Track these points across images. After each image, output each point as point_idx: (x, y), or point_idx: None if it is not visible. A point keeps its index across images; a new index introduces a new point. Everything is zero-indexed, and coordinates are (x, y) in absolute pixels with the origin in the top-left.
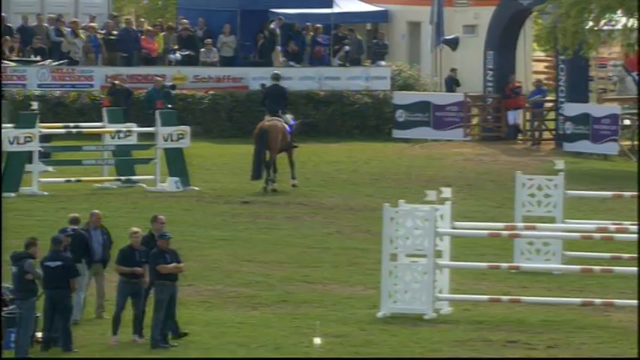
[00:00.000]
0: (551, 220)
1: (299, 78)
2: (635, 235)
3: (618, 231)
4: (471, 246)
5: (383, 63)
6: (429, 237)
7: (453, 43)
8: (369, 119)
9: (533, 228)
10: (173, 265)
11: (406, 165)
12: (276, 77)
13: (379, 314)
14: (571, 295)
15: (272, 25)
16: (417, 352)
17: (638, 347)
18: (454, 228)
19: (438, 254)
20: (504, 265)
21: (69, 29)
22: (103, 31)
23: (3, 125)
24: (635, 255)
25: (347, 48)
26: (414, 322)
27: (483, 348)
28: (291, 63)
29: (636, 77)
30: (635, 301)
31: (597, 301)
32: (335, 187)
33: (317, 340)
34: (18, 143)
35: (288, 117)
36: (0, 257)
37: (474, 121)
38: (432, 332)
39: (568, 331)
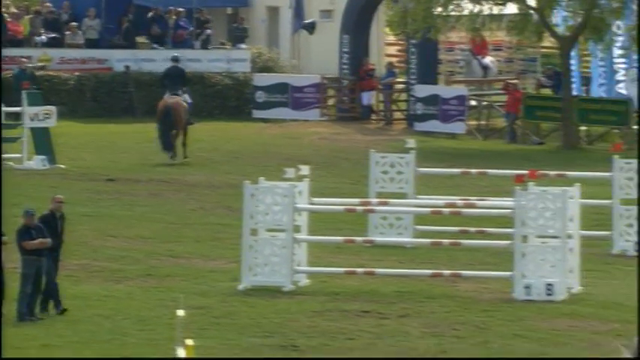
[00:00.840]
0: (403, 195)
1: (162, 60)
2: (481, 210)
3: (466, 206)
4: (327, 221)
5: (243, 46)
6: (287, 212)
7: (310, 28)
8: (229, 100)
9: (386, 203)
10: (38, 240)
11: (265, 144)
12: (176, 59)
13: (240, 287)
14: (422, 266)
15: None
16: (275, 322)
17: (638, 347)
18: (312, 204)
19: (297, 229)
20: (359, 239)
21: None
22: None
23: None
24: (483, 228)
25: (208, 31)
26: (273, 294)
27: (339, 318)
28: (155, 46)
29: (482, 60)
30: (481, 272)
31: (446, 272)
32: (197, 165)
33: (180, 312)
34: None
35: (186, 96)
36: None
37: (330, 101)
38: (290, 303)
39: (419, 300)
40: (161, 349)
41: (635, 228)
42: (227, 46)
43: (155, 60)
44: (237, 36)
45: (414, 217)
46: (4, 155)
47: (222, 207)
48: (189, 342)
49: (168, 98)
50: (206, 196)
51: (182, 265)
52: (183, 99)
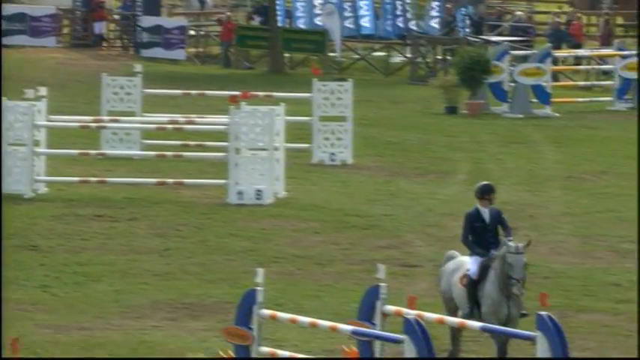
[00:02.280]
0: (132, 113)
1: None
2: (200, 126)
3: (187, 123)
4: (64, 136)
5: None
6: (27, 129)
7: None
8: None
9: (117, 120)
10: None
11: (7, 68)
12: None
13: None
14: (148, 176)
15: None
16: (18, 225)
17: (638, 347)
18: (50, 121)
19: (36, 143)
20: (93, 152)
21: None
22: None
23: None
24: (202, 142)
25: None
26: (15, 201)
27: (75, 221)
28: None
29: None
30: (200, 180)
31: (170, 180)
32: None
33: None
34: None
35: None
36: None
37: (65, 30)
38: (31, 209)
39: (146, 205)
40: None
41: (332, 141)
42: None
43: None
44: None
45: (141, 133)
46: None
47: None
48: None
49: None
50: None
51: None
52: None
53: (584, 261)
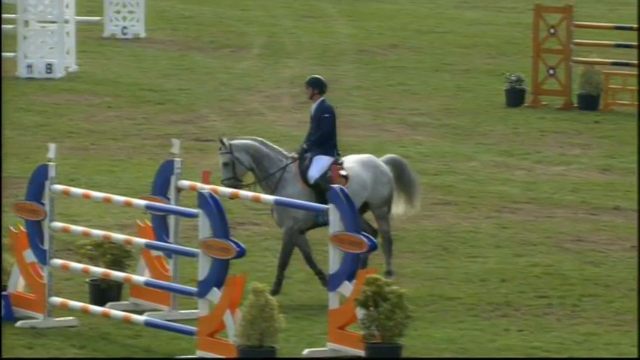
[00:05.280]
0: None
1: None
2: None
3: None
4: None
5: None
6: None
7: None
8: None
9: None
10: None
11: None
12: None
13: None
14: None
15: None
16: None
17: (638, 347)
18: None
19: None
20: None
21: None
22: None
23: None
24: None
25: None
26: None
27: None
28: None
29: None
30: None
31: None
32: None
33: None
34: None
35: None
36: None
37: None
38: None
39: None
40: None
41: (123, 14)
42: None
43: None
44: None
45: None
46: None
47: None
48: None
49: None
50: None
51: None
52: None
53: (376, 134)
